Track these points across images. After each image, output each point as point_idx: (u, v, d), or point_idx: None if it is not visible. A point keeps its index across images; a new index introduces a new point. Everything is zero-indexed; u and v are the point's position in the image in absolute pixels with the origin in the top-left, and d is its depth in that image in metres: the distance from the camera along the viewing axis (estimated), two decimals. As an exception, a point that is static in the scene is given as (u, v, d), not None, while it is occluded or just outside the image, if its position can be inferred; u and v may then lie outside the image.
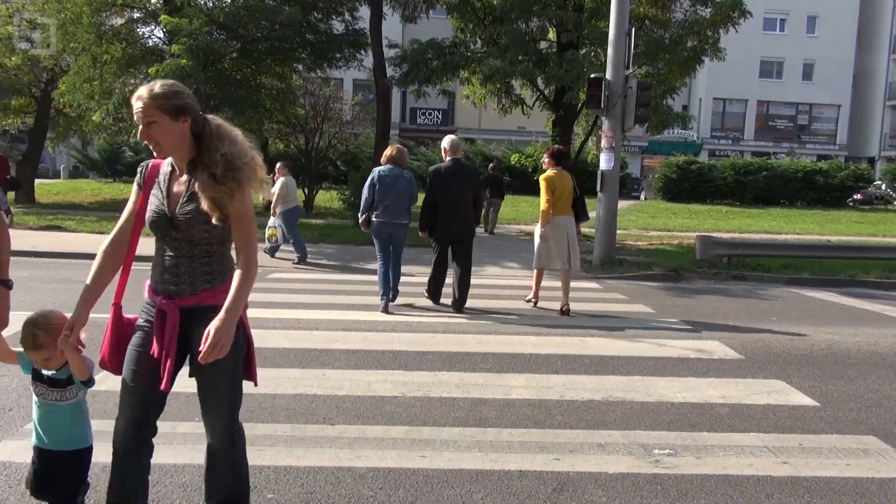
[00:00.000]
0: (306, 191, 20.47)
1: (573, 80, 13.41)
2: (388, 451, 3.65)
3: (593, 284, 10.07)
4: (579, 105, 15.86)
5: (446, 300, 7.70)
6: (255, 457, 3.51)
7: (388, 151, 7.62)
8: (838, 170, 32.06)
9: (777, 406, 4.61)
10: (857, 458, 3.77)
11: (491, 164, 18.03)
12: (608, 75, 11.52)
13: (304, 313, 6.97)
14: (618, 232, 12.55)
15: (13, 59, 17.42)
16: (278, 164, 11.21)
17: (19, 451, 3.50)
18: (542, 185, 7.44)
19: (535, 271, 8.00)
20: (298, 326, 6.39)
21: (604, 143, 11.77)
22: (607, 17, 12.46)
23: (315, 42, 15.86)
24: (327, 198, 21.00)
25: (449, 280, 7.72)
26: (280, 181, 10.84)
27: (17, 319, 6.31)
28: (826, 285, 10.90)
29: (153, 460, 3.42)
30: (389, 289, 7.32)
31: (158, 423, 3.88)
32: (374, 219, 7.35)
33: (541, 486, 3.32)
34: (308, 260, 10.96)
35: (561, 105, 15.87)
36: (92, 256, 9.28)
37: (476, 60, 14.59)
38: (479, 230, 10.54)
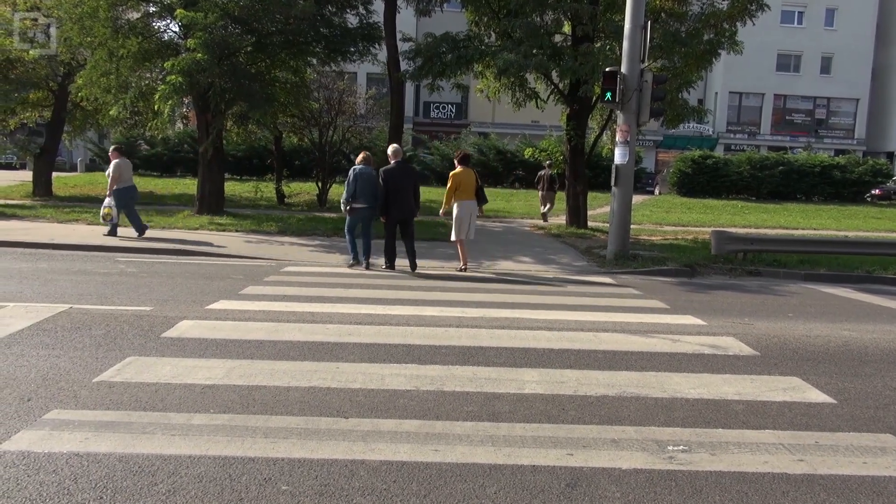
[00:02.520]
0: (320, 184, 20.51)
1: (588, 73, 13.31)
2: (401, 445, 3.65)
3: (607, 279, 10.02)
4: (594, 99, 15.75)
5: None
6: (270, 449, 3.55)
7: (361, 156, 10.05)
8: (856, 165, 31.66)
9: (793, 403, 4.57)
10: (875, 457, 3.73)
11: (548, 163, 18.77)
12: (623, 69, 11.43)
13: (318, 307, 6.99)
14: (632, 227, 12.47)
15: (31, 52, 17.58)
16: (111, 148, 12.68)
17: (38, 440, 3.55)
18: (450, 179, 10.03)
19: (457, 243, 10.22)
20: (312, 320, 6.41)
21: (618, 137, 11.69)
22: (623, 10, 12.35)
23: (329, 36, 15.84)
24: (341, 191, 21.03)
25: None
26: (113, 163, 12.18)
27: (35, 311, 6.38)
28: (843, 281, 10.78)
29: (168, 451, 3.46)
30: (359, 254, 10.04)
31: (173, 413, 3.94)
32: (355, 205, 9.75)
33: (554, 480, 3.32)
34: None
35: (575, 99, 15.78)
36: (108, 249, 9.44)
37: (490, 54, 14.50)
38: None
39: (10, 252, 10.23)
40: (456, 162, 10.34)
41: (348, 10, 16.37)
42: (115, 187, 12.10)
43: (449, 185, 10.10)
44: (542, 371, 5.05)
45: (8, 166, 31.10)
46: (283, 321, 6.31)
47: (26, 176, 22.95)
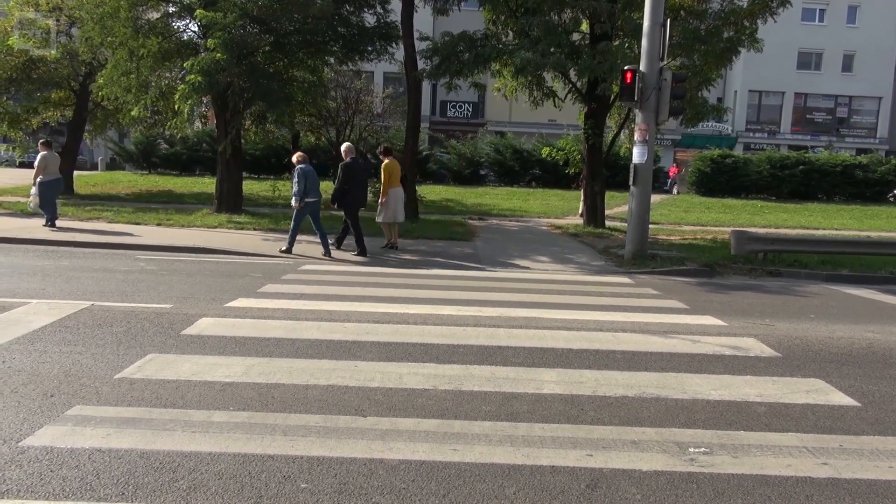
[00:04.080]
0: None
1: (606, 71, 13.23)
2: (420, 444, 3.65)
3: (625, 279, 9.95)
4: (612, 97, 15.66)
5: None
6: (289, 447, 3.55)
7: (299, 155, 11.00)
8: (879, 164, 31.14)
9: (816, 405, 4.51)
10: (901, 461, 3.67)
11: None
12: (642, 67, 11.35)
13: (336, 305, 7.01)
14: (650, 226, 12.37)
15: (52, 52, 17.80)
16: (40, 142, 13.34)
17: (61, 436, 3.59)
18: (384, 171, 11.44)
19: (385, 224, 11.73)
20: (330, 318, 6.43)
21: (637, 136, 11.61)
22: (642, 8, 12.25)
23: (347, 35, 15.88)
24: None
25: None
26: (40, 155, 12.87)
27: (58, 308, 6.45)
28: (866, 282, 10.62)
29: (189, 448, 3.48)
30: (294, 241, 10.93)
31: (193, 410, 3.96)
32: (307, 199, 10.70)
33: (574, 481, 3.30)
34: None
35: (593, 97, 15.69)
36: (129, 247, 9.52)
37: (508, 53, 14.45)
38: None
39: (32, 249, 10.36)
40: (382, 155, 11.73)
41: (366, 10, 16.40)
42: (40, 178, 12.67)
43: (384, 176, 11.43)
44: (561, 371, 5.02)
45: (31, 165, 31.51)
46: (301, 319, 6.33)
47: (48, 174, 23.24)
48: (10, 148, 22.65)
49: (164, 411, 3.98)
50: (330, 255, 10.78)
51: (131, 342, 5.39)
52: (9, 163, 31.67)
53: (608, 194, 18.23)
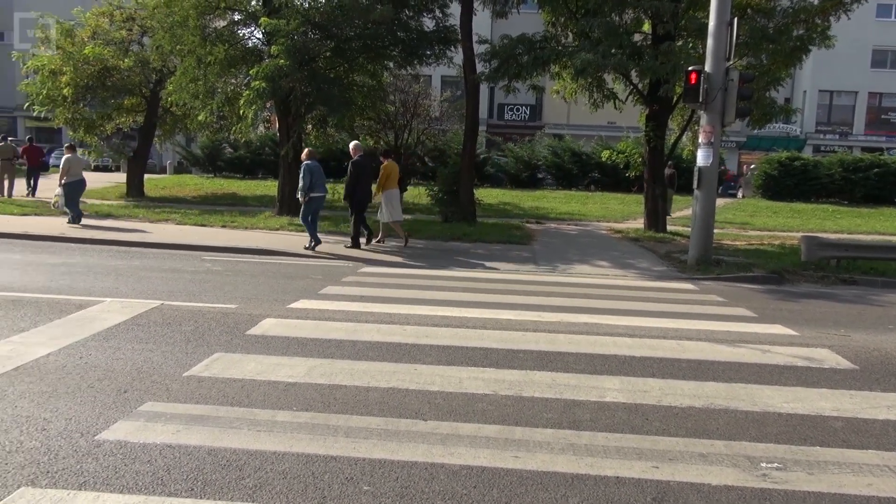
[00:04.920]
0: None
1: (669, 72, 12.92)
2: (480, 450, 3.62)
3: (688, 286, 9.69)
4: (675, 99, 15.29)
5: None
6: (351, 448, 3.58)
7: (307, 152, 11.53)
8: (960, 166, 29.45)
9: (898, 422, 4.27)
10: None
11: (669, 163, 19.42)
12: (707, 67, 11.04)
13: (395, 308, 7.05)
14: (714, 231, 12.00)
15: (126, 61, 18.57)
16: (66, 145, 14.55)
17: (134, 431, 3.71)
18: (382, 170, 12.10)
19: (394, 224, 12.30)
20: (389, 321, 6.47)
21: (701, 138, 11.28)
22: (706, 7, 11.91)
23: (406, 39, 16.00)
24: (415, 193, 21.22)
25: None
26: (64, 158, 13.74)
27: (130, 306, 6.67)
28: (949, 292, 10.04)
29: (254, 447, 3.55)
30: (316, 236, 11.40)
31: (258, 410, 4.04)
32: (312, 194, 11.18)
33: (639, 494, 3.21)
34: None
35: (655, 99, 15.35)
36: (196, 248, 9.79)
37: (567, 54, 14.27)
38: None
39: (106, 250, 10.81)
40: (382, 157, 12.60)
41: (425, 14, 16.49)
42: (65, 180, 13.51)
43: (382, 175, 12.10)
44: (624, 379, 4.91)
45: (104, 168, 32.92)
46: (361, 321, 6.39)
47: (120, 178, 24.24)
48: (86, 152, 23.71)
49: (231, 409, 4.07)
50: (314, 249, 11.30)
51: (199, 341, 5.55)
52: (84, 167, 33.16)
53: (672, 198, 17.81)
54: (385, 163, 12.29)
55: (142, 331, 5.81)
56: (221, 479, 3.22)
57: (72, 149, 14.31)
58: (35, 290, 7.35)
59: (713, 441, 3.85)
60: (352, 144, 12.14)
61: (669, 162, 20.12)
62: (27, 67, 19.35)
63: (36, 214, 14.34)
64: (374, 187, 12.40)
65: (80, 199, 13.90)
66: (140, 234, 12.23)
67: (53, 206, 14.14)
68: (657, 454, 3.64)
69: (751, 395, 4.64)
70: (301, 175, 11.34)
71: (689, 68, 11.22)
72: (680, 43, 13.89)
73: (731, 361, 5.49)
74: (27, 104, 19.85)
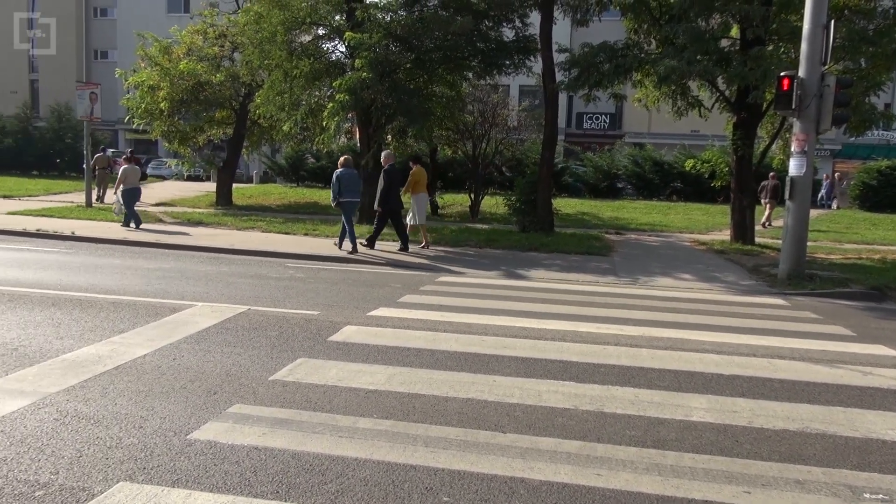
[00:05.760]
0: (472, 196, 20.82)
1: (759, 78, 12.40)
2: (561, 466, 3.56)
3: (779, 301, 9.24)
4: (764, 106, 14.67)
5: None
6: (430, 458, 3.59)
7: (342, 159, 12.29)
8: None
9: None
10: None
11: (772, 174, 20.12)
12: (801, 72, 10.53)
13: (474, 318, 7.04)
14: (808, 244, 11.41)
15: (217, 76, 19.49)
16: (123, 157, 15.67)
17: (223, 432, 3.85)
18: (411, 176, 12.78)
19: (420, 226, 12.95)
20: (468, 331, 6.47)
21: (794, 146, 10.77)
22: (800, 10, 11.39)
23: (485, 50, 16.06)
24: (492, 203, 21.21)
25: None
26: (122, 168, 14.87)
27: (220, 311, 6.94)
28: None
29: (336, 452, 3.61)
30: (346, 238, 12.11)
31: (340, 416, 4.11)
32: (342, 199, 11.96)
33: (730, 520, 3.07)
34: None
35: (743, 106, 14.76)
36: (282, 255, 10.14)
37: (650, 62, 13.94)
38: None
39: (197, 256, 11.32)
40: (411, 163, 13.24)
41: (504, 24, 16.51)
42: (121, 187, 14.62)
43: (411, 181, 12.77)
44: (711, 398, 4.72)
45: (196, 178, 34.60)
46: (440, 331, 6.42)
47: (210, 187, 25.38)
48: (180, 163, 24.99)
49: (314, 414, 4.16)
50: (356, 251, 11.91)
51: (283, 346, 5.72)
52: (177, 176, 34.95)
53: (758, 209, 17.09)
54: (414, 168, 12.95)
55: (230, 335, 6.04)
56: (305, 482, 3.30)
57: (129, 160, 15.39)
58: (133, 293, 7.78)
59: (810, 467, 3.63)
60: (383, 154, 12.79)
61: (772, 173, 19.99)
62: (128, 84, 20.62)
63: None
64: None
65: (169, 206, 14.84)
66: (227, 241, 12.75)
67: (114, 212, 15.32)
68: (749, 479, 3.47)
69: (851, 420, 4.37)
70: (332, 182, 12.14)
71: (782, 74, 10.76)
72: (770, 48, 13.33)
73: (829, 383, 5.18)
74: (127, 118, 21.12)
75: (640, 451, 3.78)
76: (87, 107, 18.38)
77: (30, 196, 21.89)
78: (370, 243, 12.46)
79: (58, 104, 36.51)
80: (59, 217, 15.89)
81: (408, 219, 12.97)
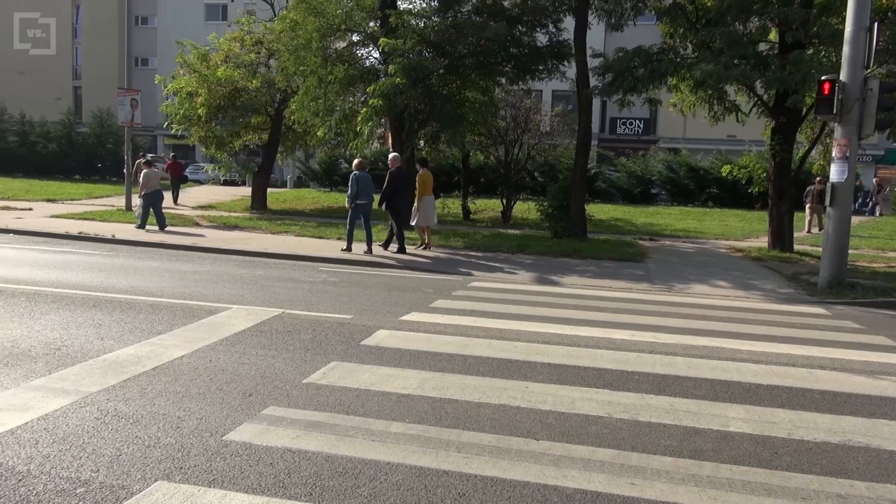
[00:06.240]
0: (504, 201, 20.78)
1: (798, 83, 12.16)
2: (595, 474, 3.52)
3: (820, 310, 9.02)
4: (804, 111, 14.37)
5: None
6: (463, 464, 3.58)
7: (357, 162, 12.61)
8: None
9: None
10: None
11: (818, 178, 19.70)
12: (843, 76, 10.30)
13: (505, 323, 7.02)
14: (849, 252, 11.12)
15: (254, 82, 19.81)
16: (142, 162, 16.08)
17: (258, 434, 3.89)
18: (418, 180, 13.18)
19: (422, 227, 13.33)
20: (500, 336, 6.45)
21: (836, 152, 10.53)
22: (841, 12, 11.14)
23: (519, 55, 16.04)
24: (524, 208, 21.14)
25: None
26: (143, 173, 15.09)
27: (255, 314, 7.03)
28: None
29: (369, 456, 3.62)
30: (352, 240, 12.68)
31: (372, 420, 4.12)
32: (359, 201, 12.34)
33: (769, 533, 3.00)
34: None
35: (782, 111, 14.48)
36: (315, 259, 10.21)
37: (686, 66, 13.77)
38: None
39: (232, 259, 11.50)
40: (418, 166, 13.60)
41: (538, 30, 16.48)
42: (144, 192, 14.92)
43: (419, 184, 13.17)
44: (749, 408, 4.63)
45: (232, 183, 35.21)
46: (472, 336, 6.41)
47: (246, 192, 25.79)
48: (217, 167, 25.43)
49: (347, 418, 4.18)
50: (371, 252, 12.37)
51: (316, 349, 5.77)
52: (214, 181, 35.58)
53: (797, 215, 16.73)
54: (420, 172, 13.32)
55: (265, 337, 6.11)
56: (338, 485, 3.31)
57: (148, 164, 15.70)
58: (171, 295, 7.93)
59: (853, 482, 3.53)
60: (390, 156, 13.28)
61: (818, 178, 19.77)
62: (168, 90, 21.07)
63: (173, 226, 15.46)
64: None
65: (206, 210, 15.04)
66: (261, 244, 12.93)
67: (136, 215, 15.70)
68: (789, 492, 3.39)
69: (896, 434, 4.24)
70: (349, 183, 12.53)
71: (822, 78, 10.54)
72: (811, 51, 13.06)
73: (872, 395, 5.04)
74: (166, 123, 21.58)
75: (675, 460, 3.72)
76: (127, 112, 18.83)
77: (72, 200, 22.48)
78: (390, 245, 12.98)
79: (100, 110, 37.51)
80: (100, 220, 16.28)
81: (413, 221, 13.34)
